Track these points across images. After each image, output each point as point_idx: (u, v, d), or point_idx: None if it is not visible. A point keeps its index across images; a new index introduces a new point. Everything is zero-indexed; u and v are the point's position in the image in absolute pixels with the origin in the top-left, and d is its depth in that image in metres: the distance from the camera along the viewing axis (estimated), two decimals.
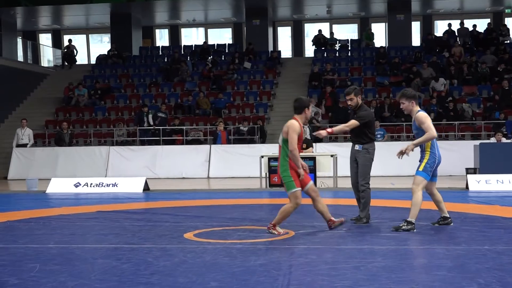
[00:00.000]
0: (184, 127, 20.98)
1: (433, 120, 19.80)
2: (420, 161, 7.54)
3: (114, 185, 14.02)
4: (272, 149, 16.74)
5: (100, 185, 14.08)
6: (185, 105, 22.91)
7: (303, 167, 7.25)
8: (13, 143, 20.03)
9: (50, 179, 14.77)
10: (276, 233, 7.22)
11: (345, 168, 16.90)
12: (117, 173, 18.04)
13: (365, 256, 5.96)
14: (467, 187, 13.04)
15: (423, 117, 7.45)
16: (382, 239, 6.90)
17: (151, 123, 20.83)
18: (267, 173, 14.10)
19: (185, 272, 5.33)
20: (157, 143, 20.35)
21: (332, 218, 7.54)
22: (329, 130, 8.03)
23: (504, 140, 16.31)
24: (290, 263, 5.64)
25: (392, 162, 17.81)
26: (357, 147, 8.08)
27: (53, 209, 10.70)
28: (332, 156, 14.56)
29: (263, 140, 20.29)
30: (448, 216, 7.81)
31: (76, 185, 14.11)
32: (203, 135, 21.06)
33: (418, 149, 7.68)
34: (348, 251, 6.23)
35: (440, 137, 19.81)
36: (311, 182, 7.40)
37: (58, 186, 14.20)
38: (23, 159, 19.60)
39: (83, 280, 5.11)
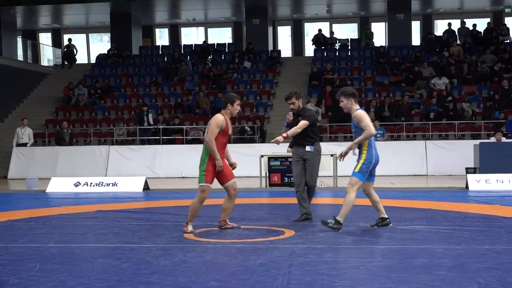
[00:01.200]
0: (184, 127, 20.99)
1: (433, 119, 20.11)
2: (357, 161, 7.38)
3: (114, 184, 14.02)
4: (272, 149, 16.74)
5: (100, 185, 14.08)
6: (185, 104, 22.92)
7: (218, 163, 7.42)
8: (13, 142, 20.03)
9: (50, 179, 14.78)
10: (187, 230, 7.42)
11: (345, 168, 16.95)
12: (117, 173, 18.04)
13: (365, 255, 5.96)
14: (467, 187, 13.04)
15: (361, 115, 7.35)
16: (382, 239, 6.91)
17: (151, 122, 20.84)
18: (267, 173, 14.11)
19: (185, 272, 5.33)
20: (157, 142, 20.35)
21: (227, 220, 7.70)
22: (284, 135, 8.21)
23: (504, 139, 16.31)
24: (290, 263, 5.64)
25: (392, 161, 17.93)
26: (308, 148, 8.32)
27: (53, 208, 10.69)
28: (332, 155, 14.55)
29: (262, 140, 20.29)
30: (387, 216, 7.68)
31: (76, 185, 14.12)
32: (202, 134, 21.05)
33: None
34: (348, 251, 6.24)
35: (440, 137, 19.84)
36: (234, 180, 7.61)
37: (58, 185, 14.20)
38: (23, 159, 19.60)
39: (83, 279, 5.11)
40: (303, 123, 8.24)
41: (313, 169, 8.36)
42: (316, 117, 8.29)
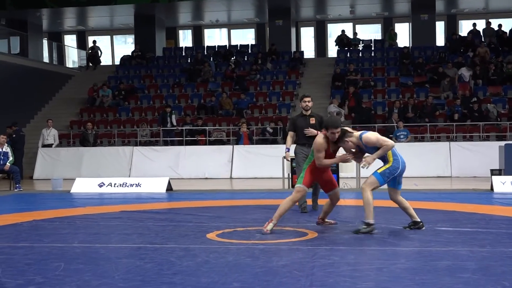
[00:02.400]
0: (207, 128, 21.06)
1: (457, 120, 19.92)
2: (383, 164, 7.24)
3: (138, 185, 14.10)
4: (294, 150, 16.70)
5: (124, 185, 14.16)
6: (208, 105, 22.99)
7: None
8: (39, 143, 20.28)
9: (75, 179, 14.91)
10: (266, 228, 7.43)
11: (368, 169, 16.88)
12: (141, 173, 18.15)
13: (388, 257, 5.92)
14: (492, 189, 12.89)
15: (370, 137, 7.13)
16: (405, 241, 6.86)
17: (174, 123, 20.94)
18: (290, 174, 14.09)
19: (208, 272, 5.34)
20: (180, 143, 20.44)
21: (325, 219, 7.91)
22: (318, 132, 8.95)
23: None
24: (313, 264, 5.62)
25: (415, 163, 17.78)
26: None
27: (78, 208, 10.80)
28: None
29: (285, 141, 20.25)
30: (419, 220, 7.48)
31: (100, 185, 14.22)
32: (226, 135, 21.11)
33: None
34: (371, 253, 6.20)
35: (464, 138, 19.67)
36: (337, 189, 7.86)
37: (83, 186, 14.32)
38: (49, 159, 19.83)
39: (107, 279, 5.14)
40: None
41: None
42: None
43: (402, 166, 7.24)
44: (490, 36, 25.50)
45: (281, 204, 7.52)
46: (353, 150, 7.38)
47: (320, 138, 7.42)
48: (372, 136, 7.18)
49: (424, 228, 7.50)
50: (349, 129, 7.39)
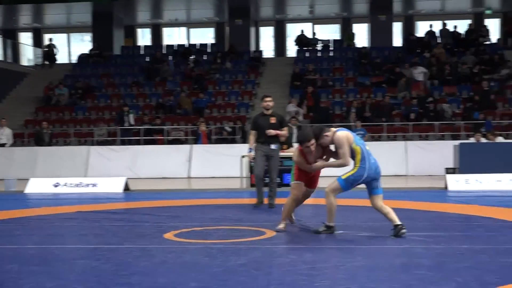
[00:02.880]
0: (165, 127, 20.92)
1: (413, 120, 20.22)
2: (349, 170, 7.09)
3: (94, 185, 13.92)
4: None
5: (80, 185, 13.96)
6: (167, 104, 22.85)
7: None
8: None
9: (29, 179, 14.64)
10: (279, 226, 7.50)
11: (326, 168, 16.98)
12: (97, 173, 17.91)
13: (345, 255, 5.98)
14: (446, 187, 13.12)
15: (342, 139, 7.00)
16: (361, 239, 6.93)
17: (132, 122, 20.74)
18: (248, 173, 14.09)
19: (165, 273, 5.32)
20: (138, 143, 20.27)
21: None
22: (278, 132, 9.74)
23: (483, 140, 16.45)
24: (270, 263, 5.64)
25: None
26: (273, 146, 9.76)
27: (32, 209, 10.62)
28: None
29: (244, 140, 20.27)
30: (399, 223, 7.06)
31: (56, 185, 13.99)
32: (184, 135, 21.02)
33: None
34: (328, 251, 6.26)
35: (420, 137, 19.98)
36: (313, 190, 7.86)
37: (37, 186, 14.07)
38: (2, 159, 19.38)
39: (62, 280, 5.08)
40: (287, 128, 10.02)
41: (276, 164, 9.86)
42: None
43: (369, 173, 6.96)
44: (446, 37, 25.97)
45: (284, 206, 7.54)
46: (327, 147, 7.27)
47: (295, 156, 7.41)
48: (342, 137, 6.98)
49: (404, 232, 6.94)
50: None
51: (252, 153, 9.96)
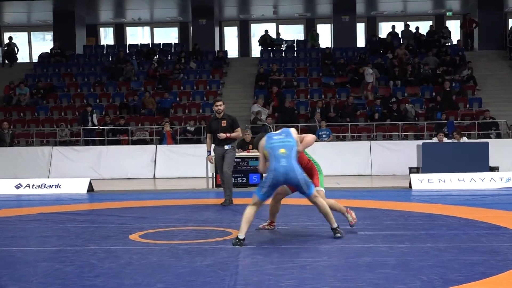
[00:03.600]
0: (129, 127, 20.75)
1: (377, 120, 20.44)
2: None
3: (57, 186, 13.73)
4: None
5: (43, 186, 13.76)
6: (131, 104, 22.67)
7: None
8: None
9: None
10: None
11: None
12: (61, 174, 17.68)
13: (311, 255, 6.02)
14: (410, 186, 13.29)
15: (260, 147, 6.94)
16: (327, 239, 6.95)
17: (95, 123, 20.52)
18: (214, 174, 14.08)
19: (131, 274, 5.28)
20: (101, 143, 20.05)
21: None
22: (228, 134, 10.28)
23: (445, 140, 16.71)
24: (237, 263, 5.64)
25: (337, 161, 18.15)
26: (226, 147, 10.32)
27: None
28: None
29: None
30: (336, 226, 6.94)
31: (18, 187, 13.76)
32: (148, 135, 20.87)
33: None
34: (294, 251, 6.26)
35: (384, 137, 20.22)
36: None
37: None
38: None
39: (25, 283, 5.00)
40: (240, 129, 10.61)
41: (229, 159, 10.33)
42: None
43: (275, 176, 6.57)
44: (408, 38, 26.32)
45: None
46: None
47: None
48: (259, 146, 6.93)
49: (340, 236, 6.88)
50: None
51: (211, 155, 10.67)
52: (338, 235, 6.84)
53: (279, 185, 6.76)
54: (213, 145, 10.60)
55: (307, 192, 6.74)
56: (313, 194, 6.79)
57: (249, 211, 6.66)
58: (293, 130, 7.06)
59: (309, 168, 7.30)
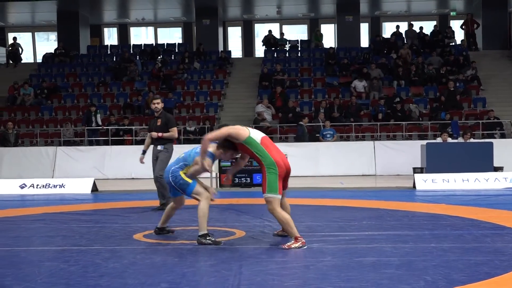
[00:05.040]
0: (133, 127, 20.77)
1: (381, 120, 20.42)
2: None
3: (61, 186, 13.76)
4: None
5: (47, 186, 13.79)
6: (135, 105, 22.70)
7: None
8: None
9: None
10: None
11: (295, 168, 17.01)
12: (65, 174, 17.72)
13: (315, 255, 6.01)
14: (414, 186, 13.27)
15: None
16: (331, 238, 6.95)
17: (99, 123, 20.55)
18: (217, 174, 14.08)
19: (135, 274, 5.29)
20: (105, 143, 20.08)
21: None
22: (160, 134, 9.73)
23: (449, 140, 16.68)
24: (241, 263, 5.64)
25: (341, 161, 18.14)
26: (159, 147, 9.79)
27: None
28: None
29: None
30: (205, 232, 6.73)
31: (22, 186, 13.79)
32: None
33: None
34: (298, 251, 6.26)
35: (388, 137, 20.20)
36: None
37: (3, 187, 13.84)
38: None
39: (29, 283, 5.00)
40: (175, 129, 9.91)
41: (161, 163, 9.65)
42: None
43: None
44: (412, 38, 26.29)
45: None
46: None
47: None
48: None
49: (205, 243, 6.61)
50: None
51: (142, 156, 9.95)
52: (201, 241, 6.60)
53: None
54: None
55: (185, 193, 6.88)
56: (191, 195, 6.76)
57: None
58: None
59: (261, 166, 6.59)
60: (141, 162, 9.98)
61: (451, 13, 29.26)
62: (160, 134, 9.73)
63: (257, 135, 6.64)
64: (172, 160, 7.21)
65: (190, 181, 6.78)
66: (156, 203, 10.17)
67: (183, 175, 6.79)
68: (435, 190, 12.82)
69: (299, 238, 6.38)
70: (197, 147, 6.89)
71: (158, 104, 9.83)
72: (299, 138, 19.08)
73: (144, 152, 9.99)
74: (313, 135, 19.35)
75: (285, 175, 6.73)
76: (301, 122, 19.09)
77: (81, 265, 5.70)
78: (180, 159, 6.94)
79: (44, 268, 5.60)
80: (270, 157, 6.47)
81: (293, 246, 6.31)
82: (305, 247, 6.34)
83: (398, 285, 4.79)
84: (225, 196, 12.25)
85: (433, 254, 5.96)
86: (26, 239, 7.35)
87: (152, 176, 9.99)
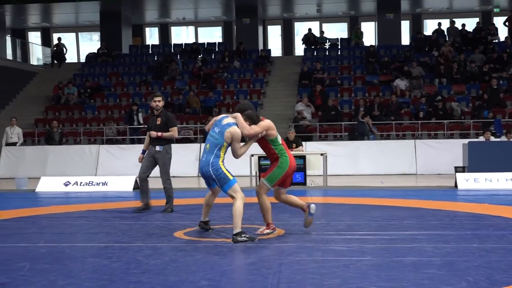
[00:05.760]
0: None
1: (422, 119, 20.21)
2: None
3: (104, 183, 13.99)
4: None
5: (90, 184, 14.04)
6: (175, 103, 22.91)
7: None
8: (2, 141, 19.96)
9: (40, 178, 14.73)
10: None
11: (335, 167, 17.04)
12: (107, 172, 18.00)
13: (355, 254, 5.99)
14: (456, 186, 13.13)
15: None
16: (371, 237, 6.93)
17: (141, 121, 20.83)
18: (257, 172, 14.13)
19: (176, 271, 5.35)
20: None
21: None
22: (159, 134, 9.41)
23: (492, 138, 16.41)
24: (280, 262, 5.66)
25: (382, 160, 18.02)
26: (157, 148, 9.47)
27: (43, 208, 10.67)
28: (322, 154, 14.62)
29: None
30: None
31: (66, 184, 14.07)
32: (193, 133, 21.07)
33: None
34: (338, 250, 6.25)
35: (429, 136, 19.98)
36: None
37: (48, 184, 14.17)
38: (13, 158, 19.54)
39: (73, 279, 5.10)
40: (175, 129, 9.59)
41: (162, 167, 9.62)
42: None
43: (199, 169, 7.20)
44: (454, 35, 25.92)
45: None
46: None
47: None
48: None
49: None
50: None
51: (141, 155, 9.71)
52: (237, 240, 6.65)
53: (205, 180, 7.14)
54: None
55: (222, 188, 6.99)
56: (228, 192, 6.92)
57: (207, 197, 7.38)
58: (264, 126, 7.05)
59: (273, 161, 7.19)
60: (140, 161, 9.74)
61: (495, 10, 28.73)
62: (159, 133, 9.41)
63: (279, 137, 7.27)
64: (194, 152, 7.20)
65: (231, 177, 6.92)
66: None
67: (223, 169, 6.93)
68: (477, 189, 12.66)
69: (271, 225, 7.16)
70: (214, 127, 7.03)
71: (159, 102, 9.47)
72: (358, 136, 18.98)
73: (144, 151, 9.71)
74: (353, 134, 19.26)
75: (291, 174, 7.30)
76: (362, 120, 19.02)
77: (123, 261, 5.78)
78: (213, 147, 6.97)
79: (88, 264, 5.70)
80: (287, 156, 7.13)
81: (265, 232, 7.09)
82: (275, 232, 7.15)
83: (440, 285, 4.74)
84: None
85: (475, 254, 5.90)
86: (70, 236, 7.50)
87: (159, 177, 9.76)
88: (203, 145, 19.09)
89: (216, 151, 6.96)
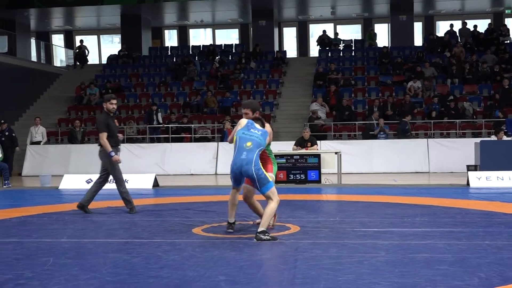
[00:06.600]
0: (192, 125, 21.24)
1: (435, 118, 20.32)
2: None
3: (125, 181, 14.13)
4: (278, 147, 16.92)
5: (111, 181, 14.17)
6: (193, 103, 23.17)
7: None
8: (27, 140, 20.35)
9: (63, 176, 15.00)
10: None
11: (349, 165, 17.16)
12: (127, 170, 18.05)
13: (369, 250, 6.03)
14: (468, 184, 13.19)
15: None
16: (384, 234, 7.00)
17: (160, 121, 21.13)
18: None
19: (194, 266, 5.41)
20: (166, 140, 20.61)
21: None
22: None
23: (504, 137, 16.46)
24: (296, 258, 5.72)
25: (394, 159, 18.14)
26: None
27: (66, 204, 10.89)
28: (336, 153, 14.75)
29: None
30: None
31: (88, 181, 14.26)
32: (210, 133, 21.31)
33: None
34: (352, 246, 6.29)
35: (441, 135, 20.07)
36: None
37: (71, 182, 14.43)
38: (37, 156, 19.92)
39: (95, 273, 5.20)
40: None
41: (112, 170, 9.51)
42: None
43: (231, 166, 7.01)
44: (466, 36, 25.91)
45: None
46: None
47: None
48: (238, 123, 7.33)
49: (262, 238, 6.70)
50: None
51: (117, 156, 9.77)
52: (261, 237, 6.65)
53: (237, 177, 6.97)
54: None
55: (260, 189, 6.91)
56: (266, 193, 6.90)
57: (232, 197, 7.25)
58: (269, 132, 7.32)
59: (264, 159, 7.47)
60: (119, 161, 9.88)
61: (506, 11, 28.63)
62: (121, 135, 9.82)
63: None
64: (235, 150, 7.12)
65: (270, 179, 7.00)
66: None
67: (263, 170, 6.97)
68: (489, 187, 12.68)
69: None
70: (249, 128, 7.10)
71: (115, 105, 9.87)
72: (400, 134, 19.17)
73: (112, 152, 9.79)
74: (367, 133, 19.42)
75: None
76: (404, 119, 19.20)
77: (143, 257, 5.86)
78: (255, 147, 6.93)
79: (109, 259, 5.79)
80: (275, 161, 7.74)
81: (257, 221, 7.41)
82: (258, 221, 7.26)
83: (452, 281, 4.75)
84: (280, 192, 12.46)
85: (487, 251, 5.90)
86: (92, 232, 7.65)
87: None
88: (220, 143, 19.56)
89: (258, 151, 6.94)
